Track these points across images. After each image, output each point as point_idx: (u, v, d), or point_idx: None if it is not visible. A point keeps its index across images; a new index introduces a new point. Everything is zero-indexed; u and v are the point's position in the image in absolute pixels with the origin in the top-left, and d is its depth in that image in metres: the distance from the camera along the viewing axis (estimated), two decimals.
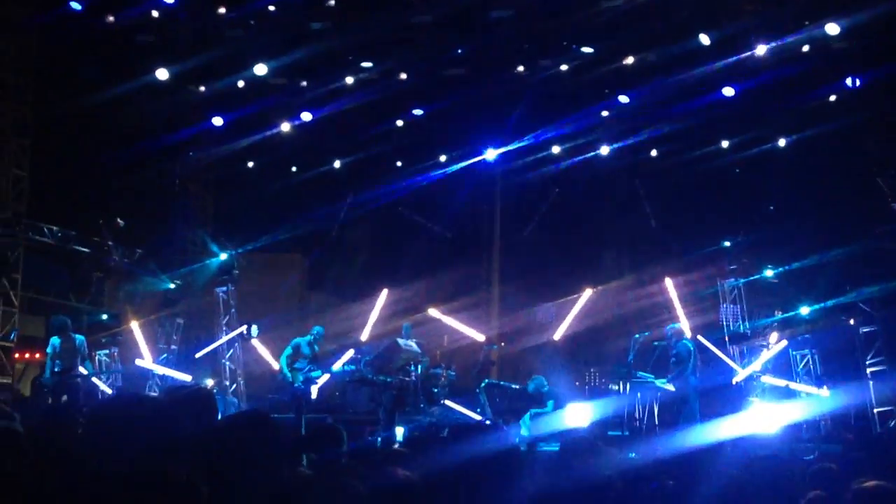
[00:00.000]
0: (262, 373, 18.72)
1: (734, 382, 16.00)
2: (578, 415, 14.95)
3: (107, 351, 17.55)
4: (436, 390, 16.20)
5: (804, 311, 16.58)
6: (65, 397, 13.79)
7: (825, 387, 15.75)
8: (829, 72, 15.89)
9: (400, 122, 18.96)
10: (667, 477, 4.96)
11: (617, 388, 16.14)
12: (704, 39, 15.22)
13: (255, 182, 20.33)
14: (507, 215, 22.27)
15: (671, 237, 20.32)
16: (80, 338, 14.50)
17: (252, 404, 17.59)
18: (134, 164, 18.01)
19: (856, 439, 12.38)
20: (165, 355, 18.02)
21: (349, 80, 17.56)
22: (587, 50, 16.57)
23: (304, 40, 16.25)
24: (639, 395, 15.02)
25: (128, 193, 19.38)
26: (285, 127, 18.62)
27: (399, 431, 14.07)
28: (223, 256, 18.43)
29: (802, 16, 15.07)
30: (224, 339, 18.27)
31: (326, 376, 16.01)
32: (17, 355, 17.40)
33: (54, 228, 16.81)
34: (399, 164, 20.41)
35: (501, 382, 17.35)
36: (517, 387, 16.91)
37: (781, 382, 15.99)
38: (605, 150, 18.94)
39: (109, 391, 16.29)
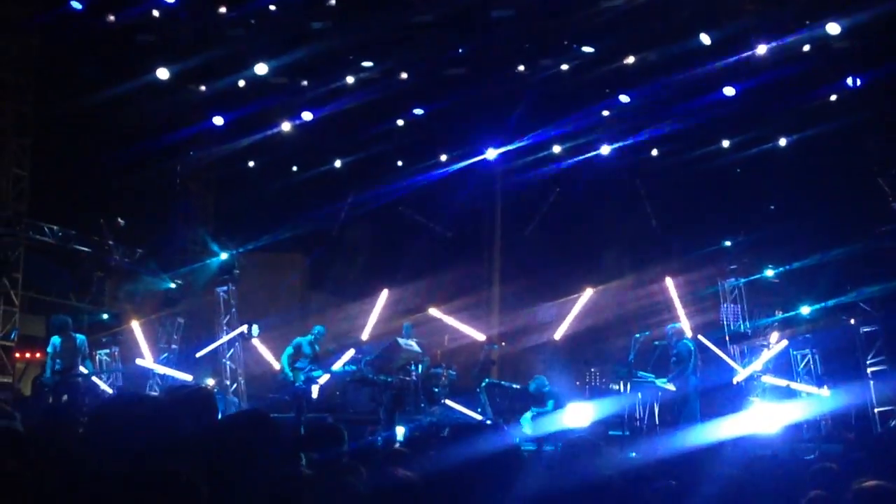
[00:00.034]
0: (263, 372, 18.73)
1: (735, 382, 16.01)
2: (579, 414, 14.96)
3: (107, 350, 17.57)
4: (436, 390, 16.19)
5: (805, 310, 16.57)
6: (65, 397, 13.80)
7: (826, 386, 15.74)
8: (830, 71, 15.88)
9: (401, 122, 18.97)
10: (667, 477, 4.96)
11: (617, 387, 16.11)
12: (705, 39, 15.22)
13: (256, 181, 20.33)
14: (507, 215, 22.26)
15: (672, 237, 20.32)
16: (80, 337, 14.51)
17: (253, 404, 17.59)
18: (134, 163, 18.00)
19: (856, 439, 12.41)
20: (166, 355, 18.03)
21: (350, 79, 17.57)
22: (588, 49, 16.56)
23: (305, 40, 16.26)
24: (639, 394, 15.00)
25: (128, 193, 19.37)
26: (286, 126, 18.62)
27: (400, 431, 14.07)
28: (224, 256, 18.43)
29: (803, 15, 15.07)
30: (225, 338, 18.28)
31: (327, 376, 16.03)
32: (17, 355, 17.41)
33: (55, 228, 16.81)
34: (400, 163, 20.42)
35: (502, 382, 17.34)
36: (518, 386, 16.90)
37: (782, 382, 15.99)
38: (605, 149, 18.92)
39: (110, 390, 16.29)
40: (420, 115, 18.65)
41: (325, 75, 17.53)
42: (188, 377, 17.13)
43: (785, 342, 16.48)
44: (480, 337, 19.31)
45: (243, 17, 16.28)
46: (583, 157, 19.22)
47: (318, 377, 15.61)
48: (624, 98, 17.39)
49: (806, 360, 16.48)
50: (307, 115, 18.27)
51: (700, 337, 16.27)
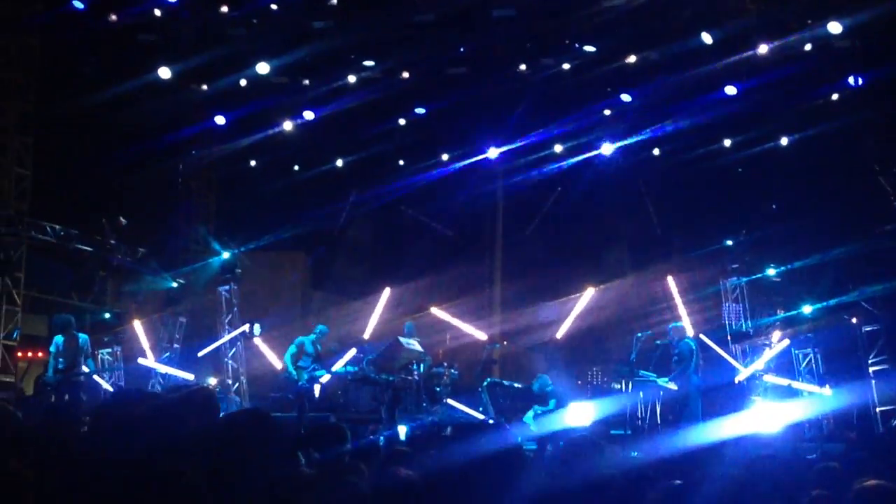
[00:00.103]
0: (265, 372, 18.73)
1: (736, 381, 15.99)
2: (581, 414, 14.96)
3: (109, 350, 17.56)
4: (438, 389, 16.20)
5: (807, 309, 16.55)
6: (67, 396, 13.81)
7: (827, 386, 15.73)
8: (832, 71, 15.87)
9: (402, 121, 18.99)
10: (669, 476, 4.96)
11: (619, 386, 16.10)
12: (706, 38, 15.21)
13: (258, 181, 20.33)
14: (509, 214, 22.26)
15: (673, 236, 20.32)
16: (83, 336, 14.53)
17: (255, 403, 17.60)
18: (136, 162, 18.01)
19: (858, 438, 12.39)
20: (168, 354, 18.03)
21: (351, 78, 17.58)
22: (589, 49, 16.57)
23: (307, 39, 16.27)
24: (641, 393, 14.99)
25: (130, 192, 19.38)
26: (288, 126, 18.64)
27: (402, 430, 14.07)
28: (226, 255, 18.43)
29: (805, 15, 15.06)
30: (226, 337, 18.27)
31: (329, 376, 16.06)
32: (19, 354, 17.42)
33: (57, 227, 16.81)
34: (401, 162, 20.42)
35: (504, 381, 17.33)
36: (520, 385, 16.91)
37: (784, 381, 15.98)
38: (607, 148, 18.91)
39: (111, 390, 16.29)
40: (421, 115, 18.66)
41: (327, 74, 17.54)
42: (190, 376, 17.14)
43: (787, 341, 16.46)
44: (482, 336, 19.29)
45: (245, 16, 16.29)
46: (584, 156, 19.21)
47: (321, 377, 15.65)
48: (625, 97, 17.40)
49: (808, 359, 16.46)
50: (309, 115, 18.28)
51: (702, 336, 16.26)
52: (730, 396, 15.71)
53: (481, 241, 22.49)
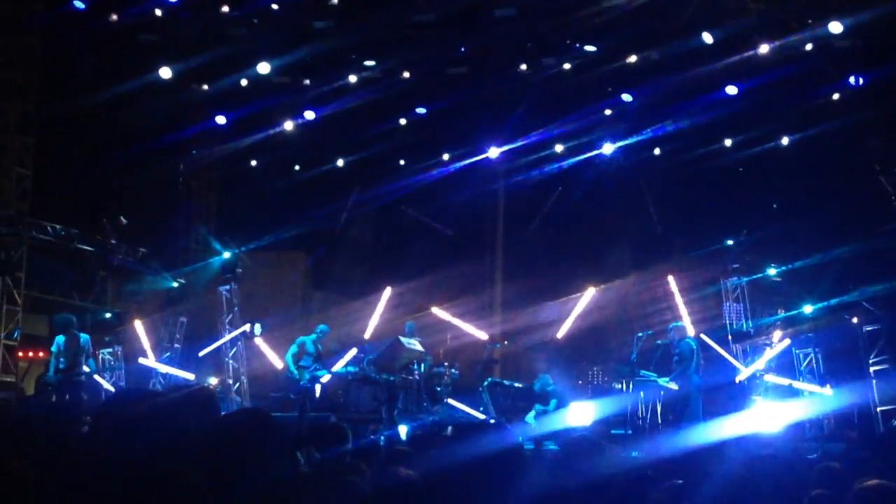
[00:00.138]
0: (265, 372, 18.73)
1: (737, 381, 15.99)
2: (581, 413, 14.96)
3: (110, 349, 17.57)
4: (439, 389, 16.20)
5: (807, 309, 16.54)
6: (68, 396, 13.81)
7: (828, 385, 15.72)
8: (832, 70, 15.87)
9: (403, 121, 18.99)
10: (669, 476, 4.96)
11: (620, 386, 16.12)
12: (707, 38, 15.21)
13: (259, 180, 20.34)
14: (510, 213, 22.27)
15: (674, 235, 20.32)
16: (84, 336, 14.53)
17: (255, 403, 17.61)
18: (137, 162, 18.01)
19: (859, 438, 12.40)
20: (168, 354, 18.03)
21: (352, 78, 17.59)
22: (590, 48, 16.57)
23: (307, 39, 16.28)
24: (642, 393, 15.00)
25: (131, 192, 19.37)
26: (288, 125, 18.65)
27: (402, 430, 14.08)
28: (226, 255, 18.43)
29: (805, 14, 15.07)
30: (227, 337, 18.28)
31: (329, 376, 16.07)
32: (20, 354, 17.42)
33: (58, 227, 16.80)
34: (402, 162, 20.43)
35: (504, 381, 17.35)
36: (520, 385, 16.92)
37: (784, 381, 15.97)
38: (608, 148, 18.92)
39: (112, 389, 16.30)
40: (422, 114, 18.67)
41: (328, 74, 17.55)
42: (191, 376, 17.15)
43: (787, 341, 16.46)
44: (483, 336, 19.30)
45: (246, 16, 16.29)
46: (585, 155, 19.22)
47: (322, 377, 15.67)
48: (626, 97, 17.40)
49: (808, 358, 16.45)
50: (310, 115, 18.30)
51: (702, 336, 16.26)
52: (730, 396, 15.71)
53: (482, 240, 22.49)
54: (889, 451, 6.91)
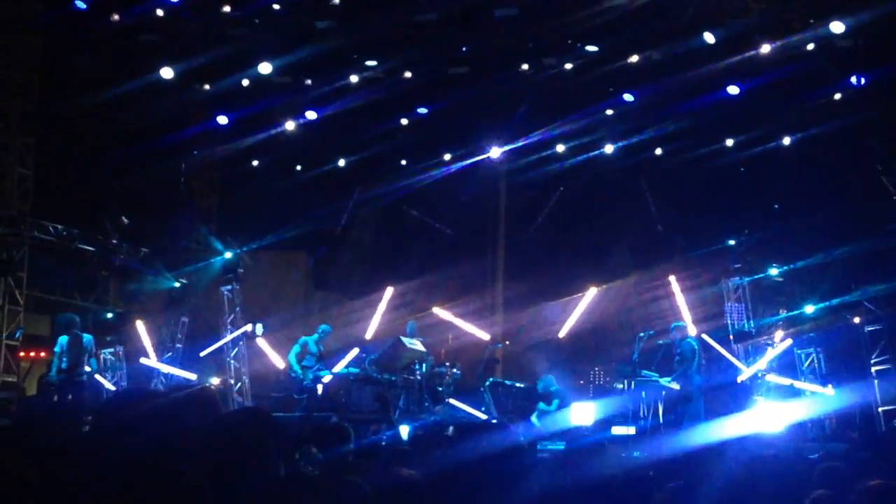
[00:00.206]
0: (267, 372, 18.74)
1: (739, 381, 16.00)
2: (583, 413, 14.96)
3: (112, 349, 17.58)
4: (440, 389, 16.20)
5: (809, 309, 16.55)
6: (70, 396, 13.82)
7: (830, 385, 15.72)
8: (834, 70, 15.84)
9: (404, 121, 18.98)
10: (671, 475, 4.96)
11: (622, 386, 16.12)
12: (709, 38, 15.20)
13: (260, 180, 20.33)
14: (511, 213, 22.26)
15: (676, 235, 20.31)
16: (88, 336, 14.53)
17: (257, 403, 17.61)
18: (139, 162, 18.01)
19: (861, 438, 12.38)
20: (170, 354, 18.05)
21: (354, 78, 17.56)
22: (591, 48, 16.56)
23: (309, 39, 16.25)
24: (643, 393, 15.01)
25: (132, 192, 19.35)
26: (290, 125, 18.62)
27: (404, 430, 14.08)
28: (228, 255, 18.44)
29: (807, 14, 15.04)
30: (229, 337, 18.29)
31: (331, 376, 16.08)
32: (22, 354, 17.42)
33: (59, 227, 16.81)
34: (403, 162, 20.41)
35: (506, 381, 17.35)
36: (522, 385, 16.92)
37: (786, 381, 15.97)
38: (609, 148, 18.91)
39: (114, 389, 16.31)
40: (424, 114, 18.64)
41: (329, 74, 17.53)
42: (192, 376, 17.17)
43: (789, 341, 16.46)
44: (484, 336, 19.30)
45: (247, 16, 16.27)
46: (586, 155, 19.21)
47: (324, 377, 15.69)
48: (628, 97, 17.37)
49: (810, 358, 16.45)
50: (311, 115, 18.27)
51: (704, 336, 16.27)
52: (732, 396, 15.72)
53: (483, 240, 22.48)
54: (891, 452, 6.92)
